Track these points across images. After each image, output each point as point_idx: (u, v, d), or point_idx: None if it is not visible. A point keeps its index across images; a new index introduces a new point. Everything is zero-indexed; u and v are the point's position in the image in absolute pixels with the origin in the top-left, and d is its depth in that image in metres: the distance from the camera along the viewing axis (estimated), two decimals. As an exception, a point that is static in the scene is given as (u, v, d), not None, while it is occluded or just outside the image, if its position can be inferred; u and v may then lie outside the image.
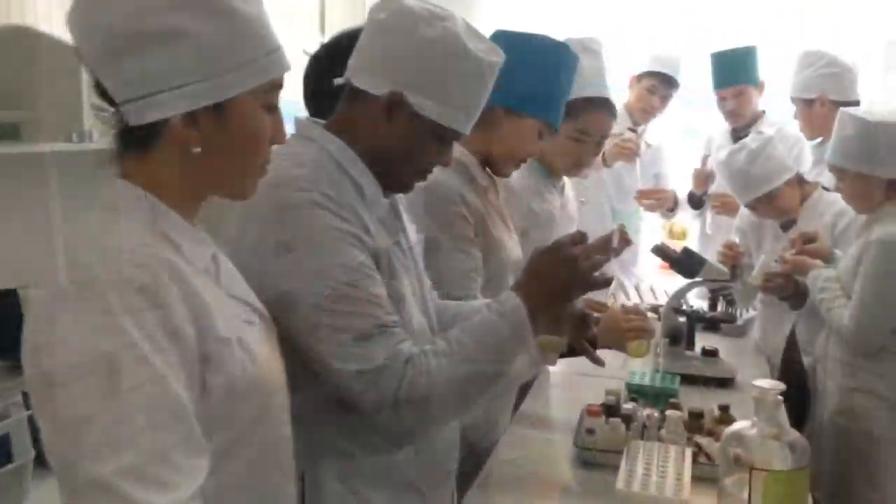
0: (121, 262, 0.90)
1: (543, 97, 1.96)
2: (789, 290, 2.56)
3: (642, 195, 3.44)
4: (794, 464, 1.43)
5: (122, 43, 0.93)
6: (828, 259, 2.47)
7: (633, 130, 3.51)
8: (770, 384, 1.45)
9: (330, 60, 1.64)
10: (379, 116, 1.32)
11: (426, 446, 1.42)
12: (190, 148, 0.98)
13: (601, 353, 1.75)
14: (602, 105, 2.29)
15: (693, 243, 3.69)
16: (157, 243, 0.95)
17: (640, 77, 3.49)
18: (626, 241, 2.57)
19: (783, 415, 2.07)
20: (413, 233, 1.52)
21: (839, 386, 2.37)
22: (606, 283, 1.41)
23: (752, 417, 1.46)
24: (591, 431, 1.86)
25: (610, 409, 1.97)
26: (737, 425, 1.50)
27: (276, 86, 1.04)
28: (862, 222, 2.41)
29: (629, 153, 3.19)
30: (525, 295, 1.33)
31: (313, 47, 1.89)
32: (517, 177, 2.22)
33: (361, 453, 1.35)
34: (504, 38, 1.87)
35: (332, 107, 1.42)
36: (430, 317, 1.49)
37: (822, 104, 3.03)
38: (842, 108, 2.40)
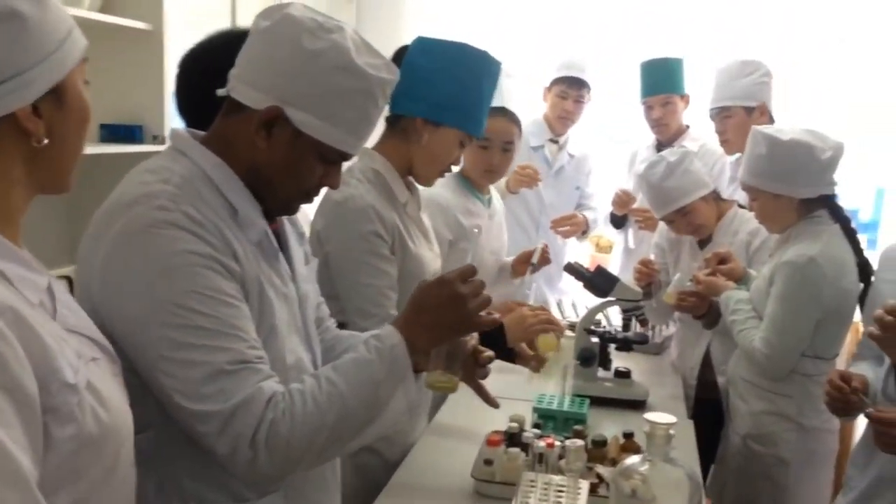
0: None
1: (463, 106, 1.93)
2: (703, 310, 2.54)
3: (556, 223, 3.38)
4: (686, 501, 1.37)
5: None
6: (741, 279, 2.45)
7: (555, 141, 3.48)
8: (661, 418, 1.38)
9: (199, 62, 1.53)
10: (258, 133, 1.22)
11: (296, 492, 1.31)
12: (33, 142, 0.91)
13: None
14: (500, 112, 2.39)
15: (617, 256, 3.67)
16: None
17: (550, 86, 3.46)
18: (545, 260, 2.59)
19: (693, 444, 2.05)
20: (301, 258, 1.42)
21: (750, 409, 2.35)
22: (494, 323, 1.34)
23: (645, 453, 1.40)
24: (488, 462, 1.79)
25: (512, 438, 1.89)
26: (629, 460, 1.44)
27: (84, 59, 0.98)
28: (775, 242, 2.39)
29: (529, 180, 3.15)
30: (408, 331, 1.26)
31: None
32: (444, 192, 2.25)
33: (219, 499, 1.24)
34: (423, 46, 1.91)
35: (207, 115, 1.31)
36: (314, 351, 1.40)
37: (761, 113, 3.03)
38: (754, 127, 2.38)
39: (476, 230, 2.46)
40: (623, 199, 3.39)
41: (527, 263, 2.64)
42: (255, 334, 1.19)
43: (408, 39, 1.96)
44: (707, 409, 2.62)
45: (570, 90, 3.40)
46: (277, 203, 1.31)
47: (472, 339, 1.54)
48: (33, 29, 0.89)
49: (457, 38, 1.96)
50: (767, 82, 3.06)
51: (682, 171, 2.61)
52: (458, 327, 1.30)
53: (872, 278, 2.22)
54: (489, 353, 1.58)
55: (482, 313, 1.30)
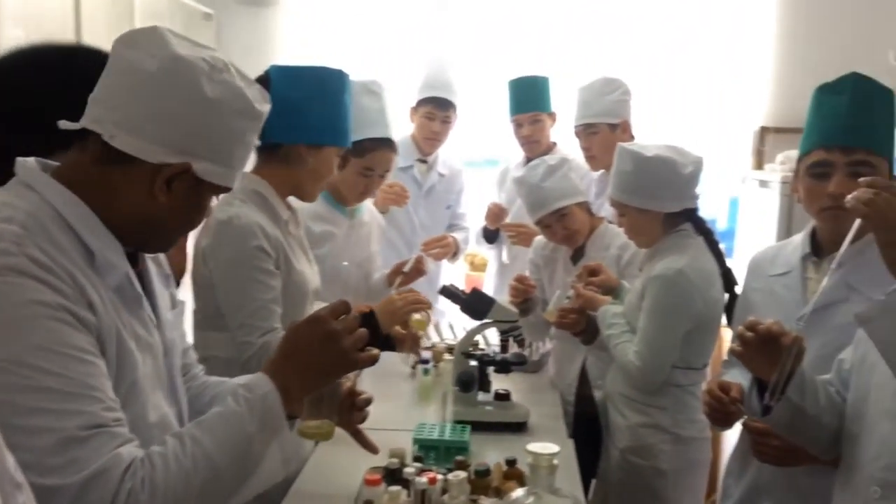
0: None
1: (337, 125, 2.07)
2: (582, 326, 2.54)
3: (427, 246, 3.34)
4: (571, 533, 1.33)
5: None
6: (615, 291, 2.48)
7: (424, 161, 3.45)
8: (544, 448, 1.34)
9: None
10: (159, 188, 1.13)
11: None
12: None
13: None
14: (385, 144, 2.54)
15: (492, 273, 3.66)
16: None
17: (416, 107, 3.43)
18: (419, 272, 2.70)
19: (574, 463, 2.03)
20: (167, 302, 1.31)
21: (628, 422, 2.37)
22: (372, 361, 1.26)
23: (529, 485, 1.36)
24: (368, 503, 1.69)
25: (392, 474, 1.81)
26: (514, 494, 1.39)
27: None
28: (644, 256, 2.42)
29: (396, 198, 3.16)
30: (280, 377, 1.17)
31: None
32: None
33: None
34: (285, 75, 2.00)
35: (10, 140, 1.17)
36: (179, 405, 1.29)
37: (623, 130, 3.11)
38: (619, 144, 2.42)
39: (329, 235, 2.50)
40: (496, 213, 3.40)
41: (399, 273, 2.67)
42: (113, 393, 1.07)
43: (269, 57, 1.92)
44: (585, 424, 2.63)
45: (437, 111, 3.38)
46: (158, 244, 1.25)
47: (347, 380, 1.45)
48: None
49: (317, 55, 1.97)
50: (628, 100, 3.16)
51: (560, 175, 2.65)
52: (334, 368, 1.23)
53: (737, 287, 2.30)
54: (367, 395, 1.50)
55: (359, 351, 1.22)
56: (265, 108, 1.22)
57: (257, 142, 1.27)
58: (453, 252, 3.45)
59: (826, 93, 1.73)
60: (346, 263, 2.63)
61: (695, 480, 2.39)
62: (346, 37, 4.06)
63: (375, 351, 1.28)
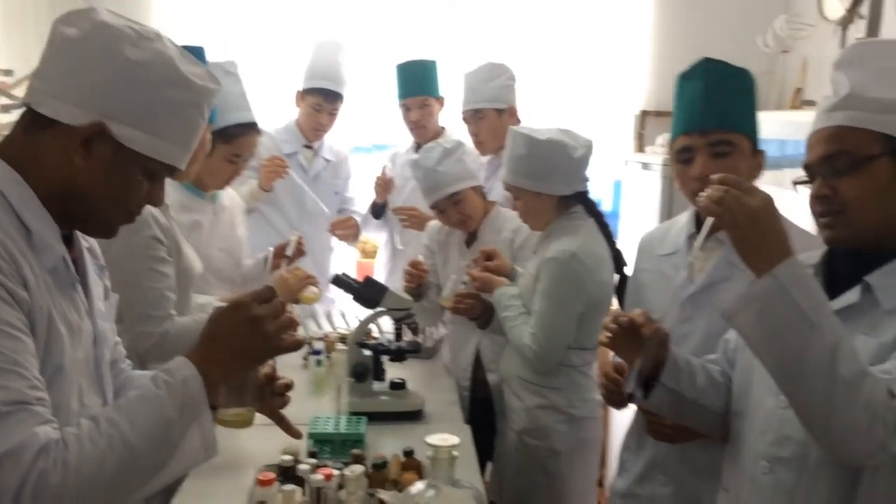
0: None
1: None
2: (478, 311, 2.53)
3: (334, 227, 3.33)
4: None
5: None
6: (510, 275, 2.48)
7: (309, 147, 3.36)
8: (443, 440, 1.31)
9: None
10: (74, 150, 1.12)
11: None
12: None
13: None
14: (252, 128, 2.47)
15: (384, 259, 3.61)
16: None
17: (304, 94, 3.32)
18: (300, 252, 2.72)
19: (471, 449, 2.02)
20: (100, 292, 1.29)
21: (524, 405, 2.38)
22: (298, 345, 1.23)
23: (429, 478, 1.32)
24: (262, 505, 1.62)
25: (286, 472, 1.74)
26: (413, 488, 1.35)
27: None
28: (537, 239, 2.43)
29: (280, 170, 3.10)
30: (202, 362, 1.15)
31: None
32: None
33: None
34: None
35: None
36: (105, 396, 1.26)
37: (511, 114, 3.11)
38: (512, 128, 2.41)
39: (196, 225, 2.41)
40: (383, 185, 3.35)
41: (282, 257, 2.67)
42: (38, 372, 1.06)
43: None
44: (481, 408, 2.63)
45: (324, 103, 3.28)
46: (96, 225, 1.21)
47: (266, 366, 1.42)
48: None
49: (201, 39, 1.88)
50: (513, 85, 3.17)
51: (456, 158, 2.62)
52: (257, 353, 1.20)
53: (626, 268, 2.34)
54: (286, 380, 1.47)
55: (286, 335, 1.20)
56: (209, 85, 1.20)
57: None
58: (356, 233, 3.42)
59: (684, 80, 1.78)
60: (219, 251, 2.55)
61: (588, 459, 2.44)
62: (226, 20, 3.89)
63: (301, 336, 1.25)
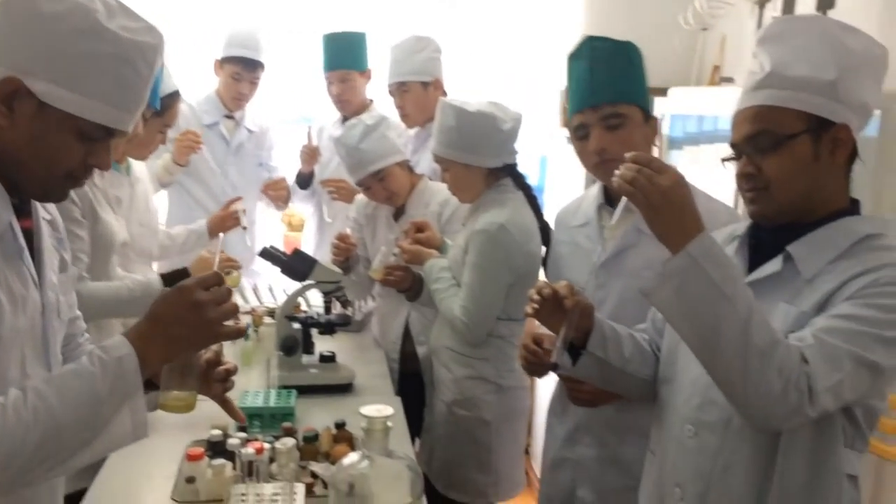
0: None
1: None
2: (408, 283, 2.53)
3: (267, 188, 3.30)
4: (410, 494, 1.32)
5: None
6: (440, 248, 2.48)
7: (231, 117, 3.29)
8: (377, 411, 1.31)
9: None
10: None
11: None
12: None
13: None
14: (178, 97, 2.49)
15: (312, 232, 3.57)
16: None
17: (222, 63, 3.24)
18: (235, 220, 2.81)
19: (403, 421, 2.03)
20: (54, 263, 1.28)
21: (454, 376, 2.40)
22: (239, 333, 1.23)
23: (363, 449, 1.32)
24: (191, 480, 1.60)
25: (215, 447, 1.72)
26: (347, 460, 1.35)
27: None
28: (467, 211, 2.44)
29: (194, 144, 3.05)
30: (140, 343, 1.14)
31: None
32: None
33: None
34: None
35: None
36: (50, 367, 1.25)
37: (436, 87, 3.11)
38: (442, 99, 2.40)
39: (115, 200, 2.33)
40: (309, 154, 3.31)
41: (225, 222, 2.82)
42: None
43: None
44: (410, 380, 2.65)
45: (244, 72, 3.21)
46: (34, 188, 1.19)
47: (208, 351, 1.40)
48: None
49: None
50: (438, 58, 3.16)
51: (378, 135, 2.60)
52: (197, 338, 1.19)
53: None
54: (229, 365, 1.44)
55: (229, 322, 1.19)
56: (140, 38, 1.15)
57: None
58: (287, 196, 3.39)
59: (571, 59, 1.84)
60: (140, 226, 2.50)
61: (516, 428, 2.48)
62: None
63: (243, 323, 1.25)
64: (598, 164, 1.77)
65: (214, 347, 1.41)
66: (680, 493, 1.43)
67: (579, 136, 1.80)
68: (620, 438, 1.78)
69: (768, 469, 1.32)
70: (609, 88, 1.75)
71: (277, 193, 3.36)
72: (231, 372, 1.46)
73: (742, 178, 1.37)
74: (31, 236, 1.21)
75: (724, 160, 1.42)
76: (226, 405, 1.47)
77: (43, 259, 1.24)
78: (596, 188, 1.93)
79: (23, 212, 1.20)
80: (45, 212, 1.28)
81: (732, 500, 1.36)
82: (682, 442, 1.43)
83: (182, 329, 1.16)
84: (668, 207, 1.23)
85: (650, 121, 1.80)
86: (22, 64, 1.09)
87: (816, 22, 1.40)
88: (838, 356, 1.19)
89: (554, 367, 1.64)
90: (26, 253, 1.19)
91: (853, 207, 1.37)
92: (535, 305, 1.47)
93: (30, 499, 1.21)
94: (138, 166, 2.53)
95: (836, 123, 1.30)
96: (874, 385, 1.24)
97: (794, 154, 1.31)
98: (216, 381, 1.42)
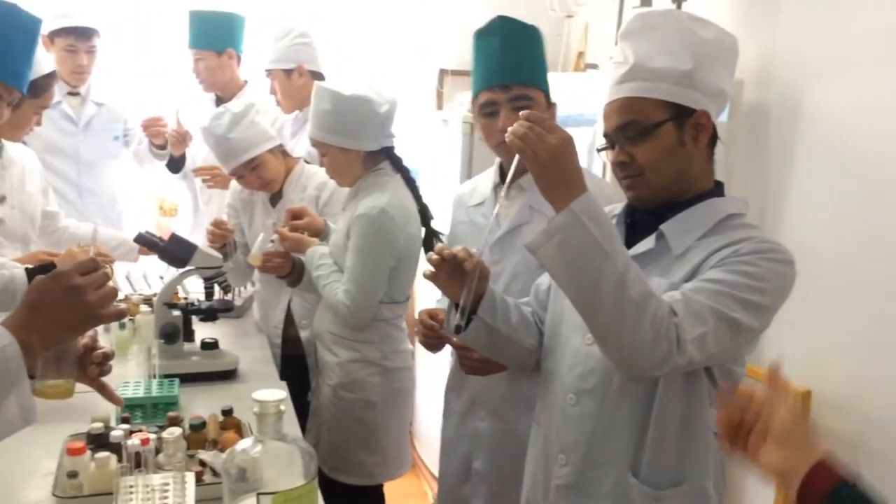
0: None
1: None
2: (287, 269, 2.52)
3: (148, 124, 3.16)
4: (304, 477, 1.34)
5: None
6: (321, 233, 2.49)
7: (75, 94, 3.16)
8: (269, 395, 1.33)
9: None
10: None
11: None
12: None
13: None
14: (54, 77, 2.45)
15: (187, 218, 3.48)
16: None
17: (52, 38, 3.05)
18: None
19: (290, 405, 2.04)
20: None
21: (338, 359, 2.42)
22: (120, 315, 1.25)
23: (255, 433, 1.34)
24: (73, 475, 1.56)
25: (98, 440, 1.68)
26: (239, 445, 1.36)
27: None
28: (346, 195, 2.46)
29: (162, 130, 3.11)
30: (20, 331, 1.14)
31: None
32: None
33: None
34: None
35: None
36: None
37: (300, 74, 3.10)
38: (317, 83, 2.41)
39: None
40: (178, 137, 3.23)
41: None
42: None
43: None
44: (293, 364, 2.65)
45: (78, 42, 3.05)
46: None
47: (84, 337, 1.42)
48: None
49: None
50: (305, 43, 3.15)
51: (247, 123, 2.57)
52: (78, 323, 1.20)
53: (432, 222, 2.44)
54: (106, 349, 1.49)
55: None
56: None
57: None
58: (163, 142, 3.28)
59: (481, 37, 1.91)
60: (18, 212, 2.39)
61: (401, 408, 2.53)
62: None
63: (123, 306, 1.26)
64: (501, 143, 1.84)
65: (90, 333, 1.41)
66: (564, 458, 1.52)
67: (486, 112, 1.86)
68: (515, 411, 1.87)
69: (643, 429, 1.43)
70: (520, 70, 1.83)
71: (156, 129, 3.20)
72: (108, 356, 1.46)
73: (616, 166, 1.47)
74: None
75: (599, 150, 1.51)
76: (103, 390, 1.49)
77: None
78: (492, 169, 2.00)
79: None
80: None
81: (611, 461, 1.46)
82: (564, 410, 1.52)
83: (62, 313, 1.17)
84: (554, 164, 1.30)
85: (551, 107, 1.89)
86: None
87: (672, 15, 1.50)
88: (702, 311, 1.30)
89: (450, 341, 1.69)
90: None
91: (717, 189, 1.50)
92: (433, 269, 1.51)
93: None
94: (15, 149, 2.43)
95: (697, 110, 1.41)
96: (734, 341, 1.35)
97: (661, 141, 1.41)
98: (93, 365, 1.42)
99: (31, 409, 1.16)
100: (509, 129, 1.34)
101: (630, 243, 1.47)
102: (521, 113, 1.35)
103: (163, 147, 3.26)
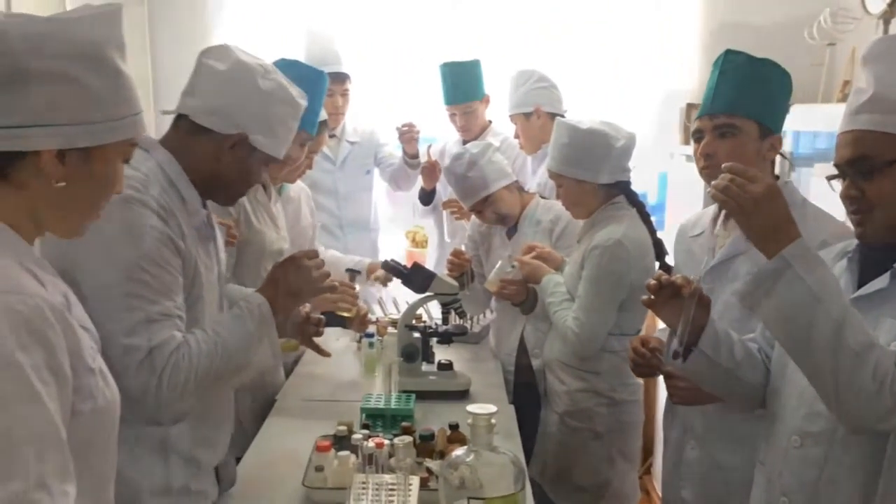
0: (10, 301, 0.96)
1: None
2: (522, 297, 2.62)
3: (403, 130, 3.49)
4: (512, 487, 1.41)
5: (9, 73, 1.02)
6: (559, 268, 2.56)
7: (332, 136, 3.47)
8: (482, 409, 1.42)
9: None
10: (222, 149, 1.61)
11: (199, 422, 1.59)
12: (53, 182, 1.07)
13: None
14: (325, 124, 2.67)
15: (433, 249, 3.72)
16: (30, 280, 1.02)
17: None
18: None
19: (514, 427, 2.12)
20: (222, 245, 1.78)
21: (566, 388, 2.46)
22: (333, 289, 1.83)
23: (469, 444, 1.44)
24: (319, 468, 1.76)
25: (341, 441, 1.87)
26: (455, 453, 1.46)
27: (134, 143, 1.18)
28: (581, 227, 2.52)
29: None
30: (269, 295, 1.63)
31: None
32: None
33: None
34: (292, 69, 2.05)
35: None
36: (223, 309, 1.72)
37: (538, 116, 3.23)
38: (558, 119, 2.51)
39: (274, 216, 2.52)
40: (430, 170, 3.46)
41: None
42: (182, 301, 1.51)
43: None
44: (525, 391, 2.73)
45: (334, 87, 3.33)
46: (227, 196, 1.72)
47: (304, 308, 1.96)
48: (86, 97, 1.08)
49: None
50: (543, 87, 3.29)
51: (485, 162, 2.72)
52: (304, 290, 1.69)
53: (667, 257, 2.42)
54: (319, 316, 2.02)
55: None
56: (303, 102, 1.70)
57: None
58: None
59: (712, 68, 1.89)
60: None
61: (628, 440, 2.51)
62: (280, 19, 3.99)
63: (336, 283, 1.94)
64: (704, 167, 1.85)
65: (307, 306, 1.96)
66: (787, 501, 1.45)
67: (696, 139, 1.90)
68: (723, 444, 1.81)
69: (873, 480, 1.32)
70: (728, 100, 1.83)
71: (409, 136, 3.46)
72: (321, 321, 2.01)
73: (846, 199, 1.39)
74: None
75: (829, 179, 1.44)
76: (315, 347, 2.05)
77: (217, 244, 1.71)
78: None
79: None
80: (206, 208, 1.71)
81: None
82: (787, 452, 1.45)
83: (293, 285, 1.65)
84: (758, 213, 1.28)
85: (769, 138, 1.84)
86: (246, 123, 1.59)
87: None
88: None
89: (660, 369, 1.68)
90: (217, 237, 1.70)
91: None
92: (652, 294, 1.50)
93: (213, 404, 1.64)
94: (293, 188, 2.71)
95: None
96: None
97: (895, 179, 1.32)
98: (312, 326, 1.98)
99: (278, 351, 1.65)
100: (713, 183, 1.34)
101: (863, 281, 1.38)
102: (723, 166, 1.35)
103: (415, 156, 3.51)
